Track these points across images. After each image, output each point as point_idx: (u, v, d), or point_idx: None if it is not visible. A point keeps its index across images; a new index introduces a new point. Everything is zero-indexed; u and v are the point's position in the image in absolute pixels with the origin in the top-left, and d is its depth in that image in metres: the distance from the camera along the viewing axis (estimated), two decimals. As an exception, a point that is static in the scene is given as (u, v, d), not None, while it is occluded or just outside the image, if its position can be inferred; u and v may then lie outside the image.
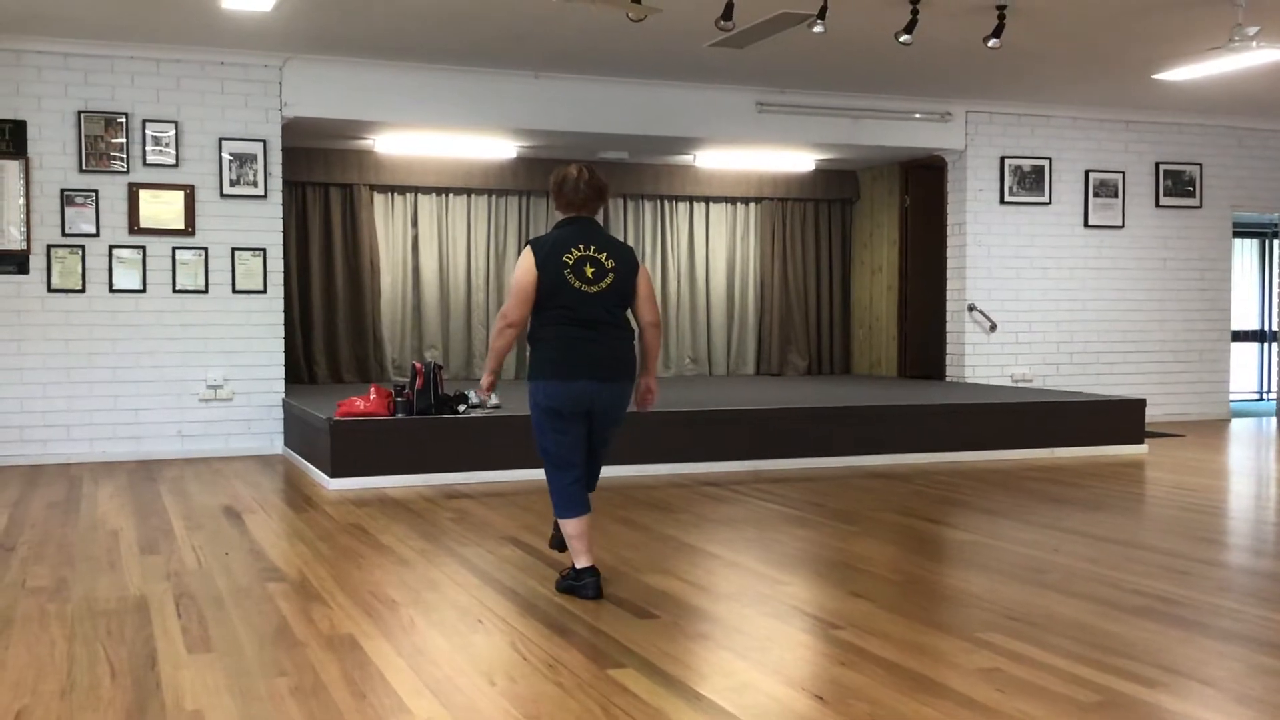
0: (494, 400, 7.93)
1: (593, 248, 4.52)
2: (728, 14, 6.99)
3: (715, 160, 11.55)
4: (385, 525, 6.09)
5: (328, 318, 10.98)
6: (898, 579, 4.97)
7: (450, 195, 11.47)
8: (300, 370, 10.72)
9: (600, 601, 4.50)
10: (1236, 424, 11.50)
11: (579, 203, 4.58)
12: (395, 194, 11.29)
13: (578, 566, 4.59)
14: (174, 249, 8.68)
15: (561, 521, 4.63)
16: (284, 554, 5.42)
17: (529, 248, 4.54)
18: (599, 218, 4.76)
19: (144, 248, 8.60)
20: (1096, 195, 11.29)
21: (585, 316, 4.48)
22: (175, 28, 8.06)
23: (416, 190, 11.34)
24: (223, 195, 8.78)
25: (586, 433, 4.61)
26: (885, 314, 12.27)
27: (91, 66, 8.47)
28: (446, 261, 11.45)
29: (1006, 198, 10.99)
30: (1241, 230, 13.52)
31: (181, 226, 8.69)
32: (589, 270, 4.47)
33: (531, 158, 11.18)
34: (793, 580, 4.95)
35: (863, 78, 9.73)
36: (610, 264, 4.52)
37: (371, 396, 7.61)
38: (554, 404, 4.50)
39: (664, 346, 12.17)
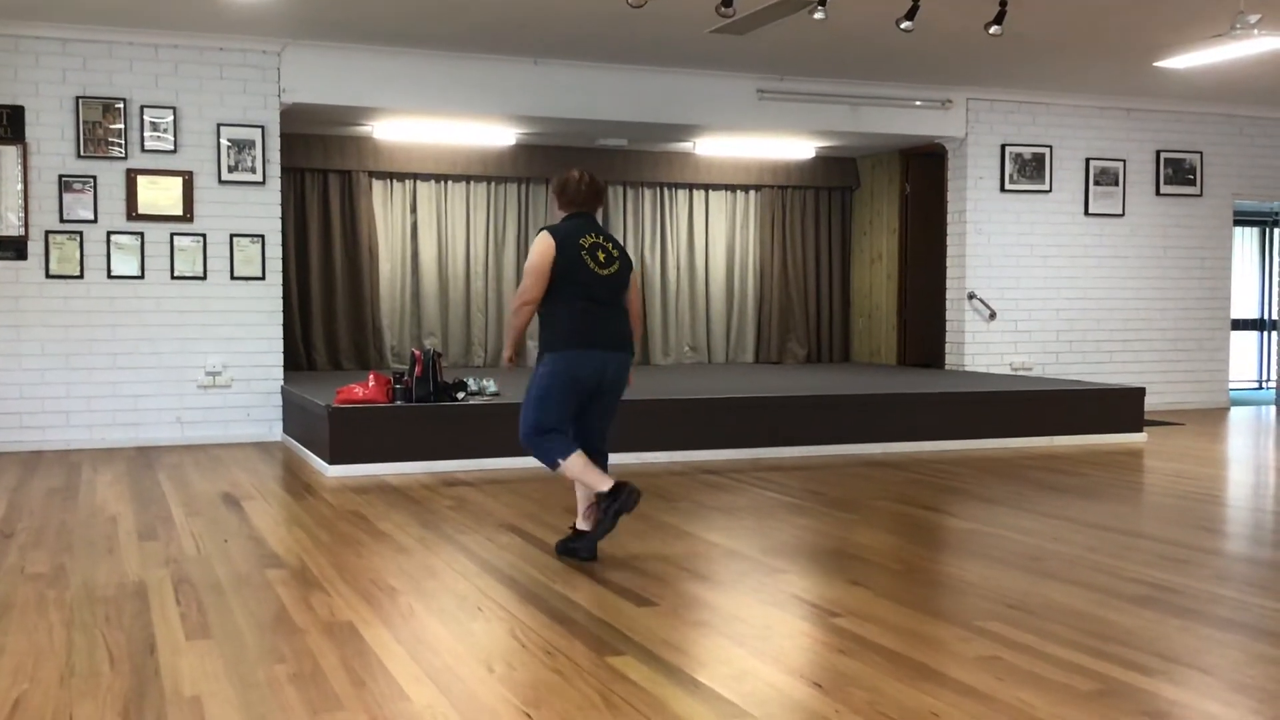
0: (493, 387, 7.93)
1: (600, 237, 4.99)
2: (728, 0, 6.96)
3: (715, 147, 11.52)
4: (384, 512, 6.09)
5: (326, 305, 10.97)
6: (896, 567, 4.97)
7: (449, 182, 11.44)
8: (299, 357, 10.71)
9: (599, 589, 4.51)
10: (1236, 413, 11.50)
11: (580, 201, 5.04)
12: (394, 180, 11.27)
13: (603, 490, 4.79)
14: (172, 235, 8.66)
15: (563, 464, 4.85)
16: (283, 541, 5.43)
17: (545, 232, 4.95)
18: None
19: (142, 234, 8.59)
20: (1097, 183, 11.28)
21: (598, 295, 4.91)
22: (174, 13, 8.04)
23: (415, 177, 11.31)
24: (221, 181, 8.76)
25: (581, 410, 4.98)
26: (885, 302, 12.26)
27: (90, 52, 8.44)
28: (445, 248, 11.43)
29: (1007, 185, 10.97)
30: (1242, 219, 13.50)
31: (180, 213, 8.67)
32: (600, 255, 4.93)
33: (531, 144, 11.16)
34: (791, 568, 4.95)
35: (864, 65, 9.70)
36: (615, 253, 5.00)
37: (370, 384, 7.60)
38: (575, 371, 4.86)
39: (664, 334, 12.17)
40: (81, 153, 8.43)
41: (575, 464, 4.84)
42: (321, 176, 10.93)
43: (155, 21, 8.26)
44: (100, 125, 8.46)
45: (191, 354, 8.74)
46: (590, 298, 4.89)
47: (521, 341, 5.08)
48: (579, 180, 5.04)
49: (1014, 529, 5.74)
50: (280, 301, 9.02)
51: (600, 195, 5.11)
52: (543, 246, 4.87)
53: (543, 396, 4.89)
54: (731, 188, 12.40)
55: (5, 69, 8.28)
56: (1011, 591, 4.50)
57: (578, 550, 4.94)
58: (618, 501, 4.78)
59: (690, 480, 7.16)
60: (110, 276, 8.54)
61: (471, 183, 11.49)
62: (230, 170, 8.78)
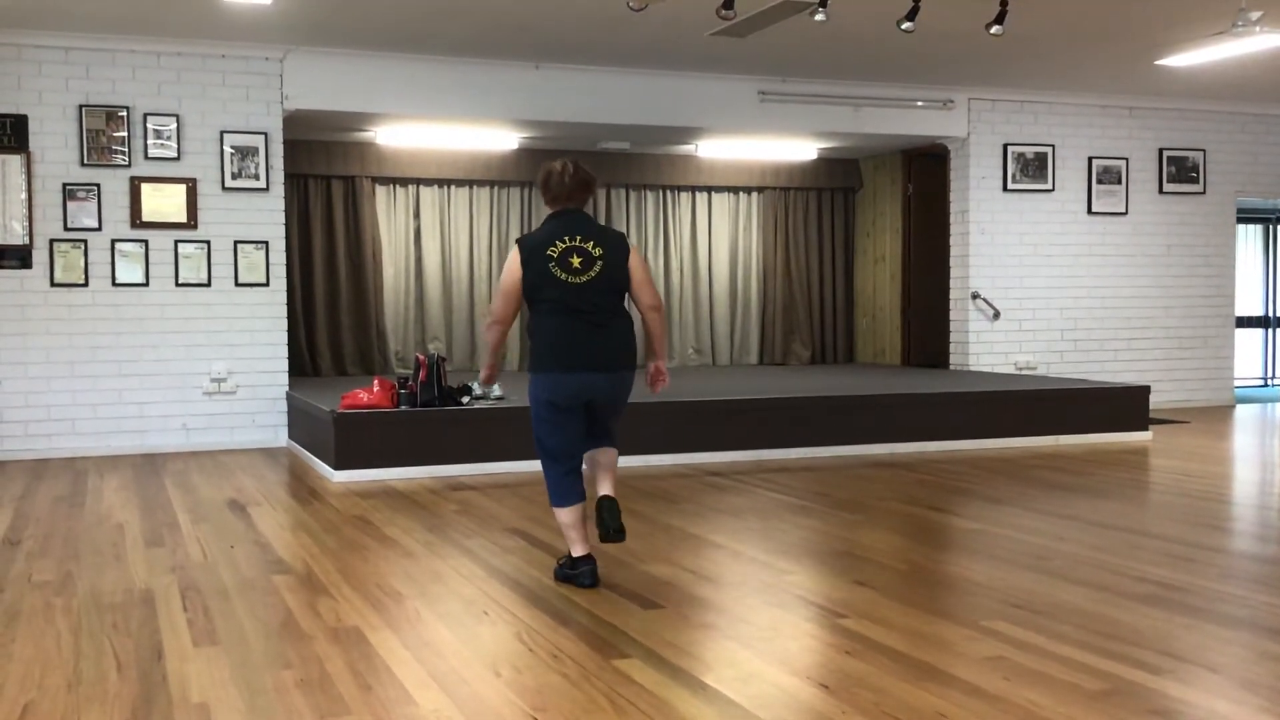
0: (497, 391, 7.94)
1: (579, 238, 4.50)
2: (729, 3, 6.95)
3: (717, 150, 11.53)
4: (390, 517, 6.09)
5: (331, 310, 10.98)
6: (902, 568, 4.97)
7: (452, 187, 11.45)
8: (304, 363, 10.72)
9: (605, 592, 4.50)
10: (1241, 410, 11.48)
11: (564, 195, 4.58)
12: (397, 186, 11.28)
13: (574, 555, 4.62)
14: (176, 242, 8.68)
15: (556, 510, 4.65)
16: (289, 546, 5.43)
17: (516, 245, 4.58)
18: (594, 211, 4.77)
19: (146, 241, 8.60)
20: (1100, 182, 11.27)
21: (577, 307, 4.47)
22: (176, 21, 8.06)
23: (418, 182, 11.32)
24: (225, 188, 8.78)
25: (585, 422, 4.63)
26: (889, 302, 12.25)
27: (92, 60, 8.46)
28: (449, 253, 11.44)
29: (1010, 185, 10.97)
30: (1245, 216, 13.49)
31: (184, 220, 8.68)
32: (576, 261, 4.46)
33: (533, 148, 11.16)
34: (797, 569, 4.95)
35: (865, 66, 9.70)
36: (598, 252, 4.50)
37: (375, 388, 7.61)
38: (552, 396, 4.52)
39: (667, 337, 12.15)
40: (85, 161, 8.45)
41: (564, 517, 4.59)
42: (325, 182, 10.95)
43: (158, 29, 8.28)
44: (103, 133, 8.48)
45: (196, 361, 8.76)
46: (567, 310, 4.46)
47: (500, 360, 4.76)
48: (561, 173, 4.56)
49: (1020, 528, 5.73)
50: (284, 307, 9.04)
51: (588, 186, 4.60)
52: (511, 263, 4.53)
53: (536, 423, 4.63)
54: (734, 190, 12.40)
55: (8, 78, 8.30)
56: (1018, 591, 4.49)
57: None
58: (575, 571, 4.56)
59: (695, 482, 7.16)
60: (115, 284, 8.55)
61: (474, 187, 11.50)
62: (234, 177, 8.79)
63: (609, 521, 4.51)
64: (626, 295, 4.65)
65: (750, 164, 12.15)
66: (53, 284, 8.42)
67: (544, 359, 4.52)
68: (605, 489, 4.64)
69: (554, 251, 4.47)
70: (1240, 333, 12.47)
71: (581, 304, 4.47)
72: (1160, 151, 11.45)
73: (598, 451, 4.71)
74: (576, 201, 4.61)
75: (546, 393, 4.53)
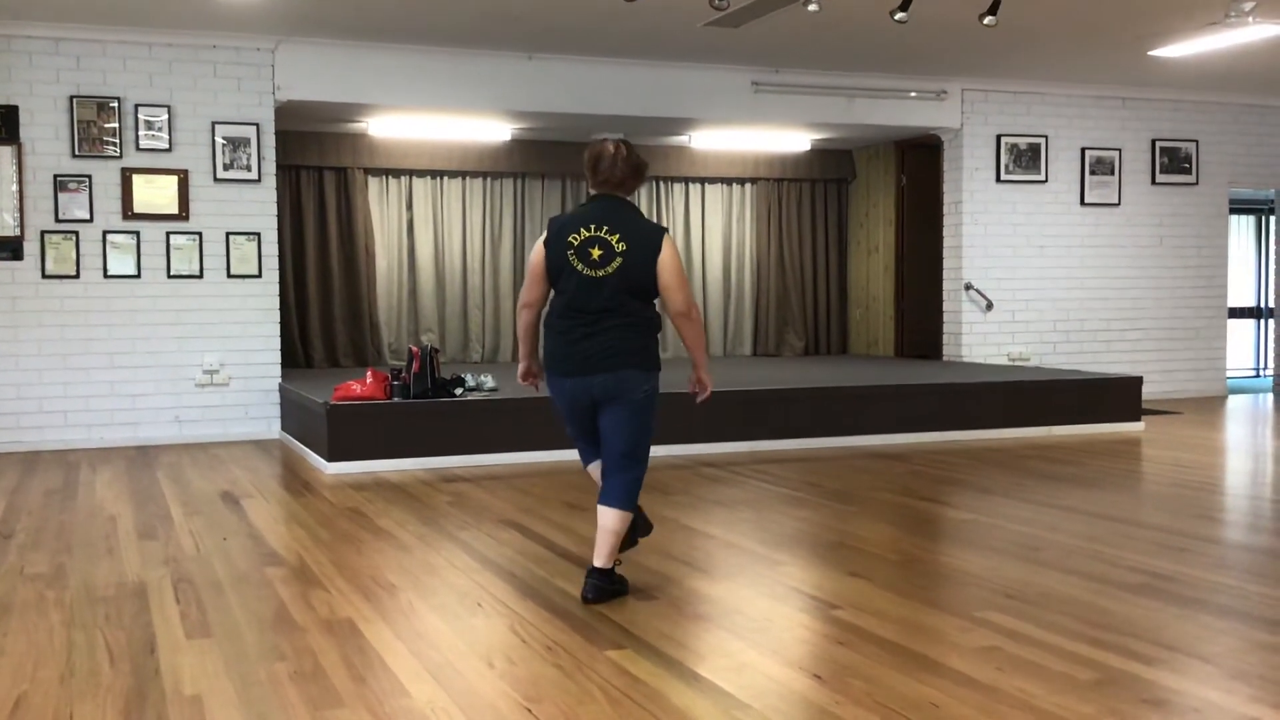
0: (491, 383, 7.93)
1: (605, 228, 4.15)
2: (722, -7, 6.95)
3: (710, 141, 11.51)
4: (383, 509, 6.09)
5: (323, 302, 10.95)
6: (895, 558, 4.98)
7: (445, 178, 11.43)
8: (296, 355, 10.70)
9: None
10: (1233, 401, 11.51)
11: (615, 181, 4.25)
12: (390, 177, 11.25)
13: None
14: (168, 234, 8.65)
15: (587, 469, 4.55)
16: (282, 539, 5.43)
17: (547, 226, 4.36)
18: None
19: (138, 233, 8.58)
20: (1093, 173, 11.27)
21: (584, 304, 4.18)
22: (167, 11, 8.02)
23: (411, 173, 11.29)
24: (216, 180, 8.75)
25: (594, 427, 4.40)
26: (882, 294, 12.26)
27: (83, 51, 8.42)
28: (442, 245, 11.42)
29: (1003, 176, 10.97)
30: (1238, 206, 13.50)
31: (175, 211, 8.66)
32: (595, 252, 4.14)
33: (526, 140, 11.14)
34: (790, 560, 4.95)
35: (858, 57, 9.70)
36: (621, 246, 4.14)
37: (368, 380, 7.60)
38: (557, 399, 4.38)
39: (660, 328, 12.12)
40: (76, 152, 8.42)
41: (593, 474, 4.50)
42: (317, 173, 10.91)
43: (148, 20, 8.25)
44: (95, 124, 8.44)
45: (189, 352, 8.73)
46: (574, 308, 4.19)
47: (534, 349, 4.47)
48: (614, 155, 4.22)
49: (1012, 519, 5.74)
50: (277, 299, 9.01)
51: (639, 173, 4.27)
52: (537, 244, 4.29)
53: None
54: (727, 181, 12.39)
55: (-1, 69, 8.28)
56: (1011, 581, 4.50)
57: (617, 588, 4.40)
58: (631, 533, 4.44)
59: (689, 473, 7.17)
60: (106, 276, 8.52)
61: (467, 179, 11.47)
62: (225, 168, 8.76)
63: (589, 595, 4.23)
64: (645, 296, 4.29)
65: (744, 155, 12.14)
66: (44, 276, 8.39)
67: (549, 360, 4.36)
68: (598, 558, 4.26)
69: (575, 240, 4.16)
70: (1233, 323, 12.49)
71: (590, 301, 4.17)
72: (1153, 142, 11.46)
73: (600, 511, 4.30)
74: (626, 189, 4.28)
75: (554, 395, 4.38)
